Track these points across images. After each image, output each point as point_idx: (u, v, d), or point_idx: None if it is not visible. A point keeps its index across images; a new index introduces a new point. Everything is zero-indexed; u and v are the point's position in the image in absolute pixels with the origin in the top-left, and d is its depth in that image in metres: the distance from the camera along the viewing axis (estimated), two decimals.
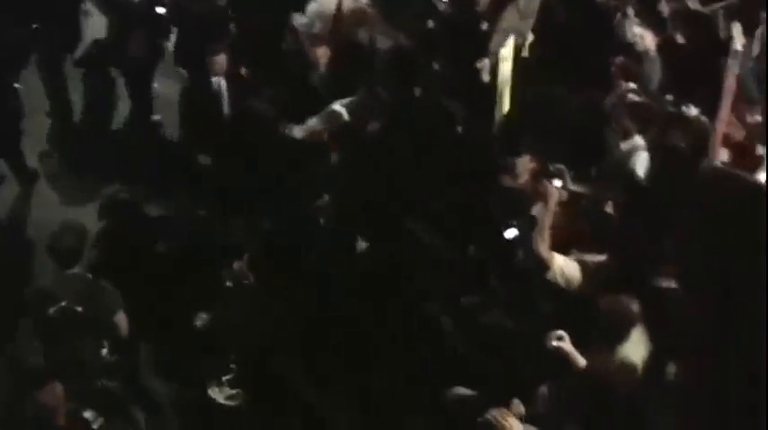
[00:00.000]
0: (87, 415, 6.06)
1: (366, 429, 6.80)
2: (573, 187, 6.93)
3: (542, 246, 6.40)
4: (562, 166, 6.88)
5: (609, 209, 6.97)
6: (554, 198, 6.51)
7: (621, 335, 6.00)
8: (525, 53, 8.71)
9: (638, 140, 7.69)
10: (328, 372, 6.78)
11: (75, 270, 6.65)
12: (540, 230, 6.41)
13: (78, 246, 6.69)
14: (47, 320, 6.50)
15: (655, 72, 8.93)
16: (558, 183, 6.65)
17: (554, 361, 5.99)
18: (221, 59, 8.67)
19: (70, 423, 5.92)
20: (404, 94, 8.48)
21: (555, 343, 5.98)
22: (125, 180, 8.57)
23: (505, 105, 7.92)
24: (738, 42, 7.69)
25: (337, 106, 8.14)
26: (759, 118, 7.80)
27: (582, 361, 5.98)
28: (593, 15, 9.92)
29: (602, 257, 6.59)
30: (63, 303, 6.45)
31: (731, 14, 9.15)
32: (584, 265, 6.53)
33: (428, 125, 8.06)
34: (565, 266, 6.47)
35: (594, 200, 7.08)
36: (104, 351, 6.69)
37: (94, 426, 6.06)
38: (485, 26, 9.44)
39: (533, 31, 8.69)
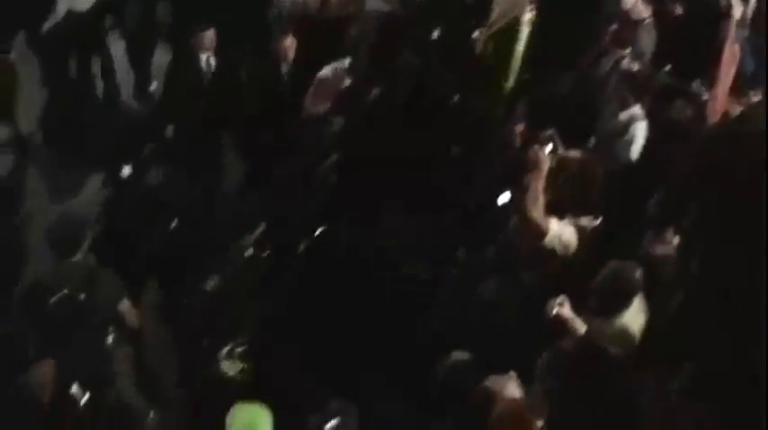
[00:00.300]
0: (74, 390, 6.08)
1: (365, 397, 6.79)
2: (564, 152, 6.91)
3: (537, 212, 6.39)
4: (552, 131, 6.86)
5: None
6: (545, 164, 6.50)
7: (623, 303, 6.04)
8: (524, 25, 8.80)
9: (637, 110, 7.79)
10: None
11: (77, 258, 6.61)
12: (533, 197, 6.39)
13: (79, 233, 6.65)
14: (47, 311, 6.44)
15: (650, 41, 8.99)
16: (549, 148, 6.64)
17: (553, 327, 6.03)
18: (210, 35, 8.70)
19: (57, 399, 5.96)
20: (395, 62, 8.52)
21: (555, 309, 6.01)
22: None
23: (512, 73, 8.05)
24: (737, 10, 7.76)
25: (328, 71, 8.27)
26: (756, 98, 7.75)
27: (582, 327, 6.02)
28: None
29: (596, 222, 6.64)
30: (65, 291, 6.42)
31: None
32: (580, 230, 6.57)
33: (423, 92, 8.15)
34: (561, 232, 6.48)
35: (590, 167, 7.11)
36: (110, 339, 6.66)
37: (81, 403, 6.07)
38: None
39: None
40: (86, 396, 6.12)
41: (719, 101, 7.00)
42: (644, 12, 9.00)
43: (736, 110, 7.58)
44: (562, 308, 6.00)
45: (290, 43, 8.66)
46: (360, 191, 7.62)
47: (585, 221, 6.62)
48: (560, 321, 6.01)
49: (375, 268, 7.19)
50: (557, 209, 6.58)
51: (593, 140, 7.94)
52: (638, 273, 6.01)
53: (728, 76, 7.00)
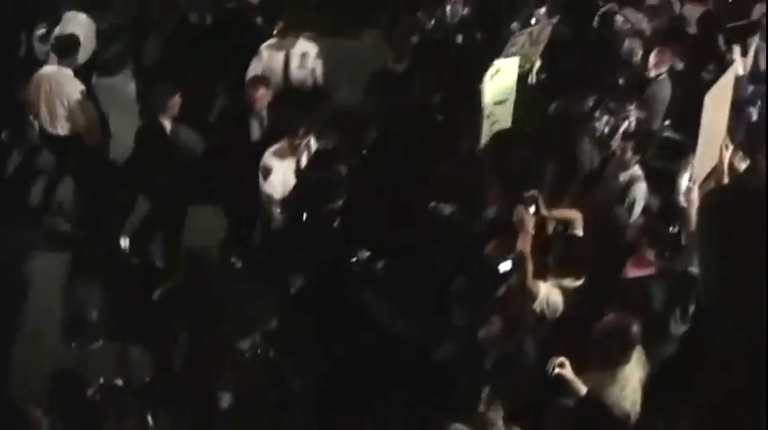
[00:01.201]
0: None
1: None
2: (546, 213, 7.28)
3: (527, 275, 6.74)
4: (535, 193, 7.21)
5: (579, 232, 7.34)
6: (529, 224, 6.84)
7: (623, 356, 6.33)
8: (533, 79, 9.35)
9: (637, 171, 8.19)
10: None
11: (100, 343, 6.76)
12: (523, 259, 6.75)
13: (101, 313, 6.75)
14: (87, 402, 6.44)
15: (664, 96, 9.53)
16: (532, 209, 6.99)
17: (555, 387, 6.32)
18: (175, 102, 9.13)
19: None
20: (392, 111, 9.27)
21: (557, 370, 6.25)
22: None
23: (492, 126, 8.44)
24: (740, 67, 8.16)
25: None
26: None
27: (583, 388, 6.29)
28: (602, 40, 10.62)
29: (579, 282, 6.94)
30: (101, 380, 6.48)
31: (733, 38, 9.68)
32: (564, 292, 6.89)
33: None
34: (549, 294, 6.82)
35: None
36: (150, 419, 6.77)
37: None
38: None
39: (541, 56, 9.36)
40: None
41: (705, 158, 7.29)
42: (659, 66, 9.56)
43: (742, 165, 8.06)
44: (562, 368, 6.25)
45: (262, 94, 9.26)
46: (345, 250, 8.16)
47: (568, 282, 6.94)
48: (561, 381, 6.27)
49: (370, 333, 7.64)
50: (540, 270, 6.91)
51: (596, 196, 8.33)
52: (636, 327, 6.31)
53: (714, 132, 7.27)
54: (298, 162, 8.60)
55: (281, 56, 9.98)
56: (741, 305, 5.50)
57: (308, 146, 8.67)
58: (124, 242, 9.31)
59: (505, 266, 7.04)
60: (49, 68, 9.61)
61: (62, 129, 9.58)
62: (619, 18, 10.95)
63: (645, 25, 10.94)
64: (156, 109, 9.12)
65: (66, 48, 9.65)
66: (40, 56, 10.83)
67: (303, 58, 10.06)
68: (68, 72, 9.50)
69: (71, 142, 9.65)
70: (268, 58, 9.96)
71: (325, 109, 9.76)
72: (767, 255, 4.58)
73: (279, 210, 8.51)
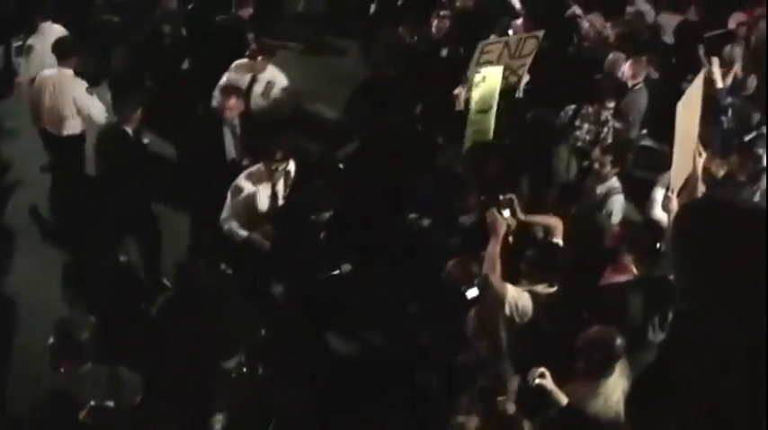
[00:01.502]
0: None
1: None
2: (522, 217, 7.31)
3: (494, 277, 6.72)
4: (512, 196, 7.24)
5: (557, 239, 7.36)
6: (502, 228, 6.85)
7: (606, 368, 6.33)
8: (520, 93, 9.46)
9: (615, 183, 8.29)
10: None
11: (89, 364, 6.66)
12: (491, 262, 6.72)
13: (91, 336, 6.61)
14: (79, 425, 6.30)
15: (641, 104, 9.67)
16: (507, 213, 7.03)
17: (536, 398, 6.32)
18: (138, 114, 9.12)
19: None
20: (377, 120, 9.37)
21: (537, 380, 6.27)
22: None
23: (475, 134, 8.56)
24: (719, 80, 8.23)
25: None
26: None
27: (564, 399, 6.31)
28: (584, 53, 10.77)
29: (552, 289, 6.96)
30: (92, 403, 6.33)
31: (712, 50, 9.80)
32: (535, 296, 6.88)
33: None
34: (518, 298, 6.82)
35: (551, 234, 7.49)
36: None
37: None
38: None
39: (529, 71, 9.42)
40: None
41: (681, 167, 7.32)
42: (635, 75, 9.67)
43: (720, 171, 8.17)
44: (543, 379, 6.28)
45: (234, 103, 9.24)
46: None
47: (541, 288, 6.95)
48: (542, 392, 6.29)
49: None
50: (513, 274, 6.93)
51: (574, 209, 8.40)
52: (620, 339, 6.30)
53: (688, 141, 7.30)
54: (273, 187, 8.47)
55: (247, 77, 10.05)
56: (740, 306, 5.58)
57: (285, 171, 8.51)
58: (123, 257, 9.29)
59: (472, 293, 6.98)
60: (50, 71, 9.76)
61: (67, 129, 9.70)
62: (584, 23, 11.11)
63: (609, 31, 11.09)
64: (121, 119, 9.13)
65: (66, 49, 9.80)
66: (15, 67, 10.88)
67: (269, 85, 10.10)
68: (69, 72, 9.69)
69: (74, 142, 9.78)
70: (235, 76, 10.01)
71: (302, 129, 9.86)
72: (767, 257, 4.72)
73: (241, 232, 8.40)
